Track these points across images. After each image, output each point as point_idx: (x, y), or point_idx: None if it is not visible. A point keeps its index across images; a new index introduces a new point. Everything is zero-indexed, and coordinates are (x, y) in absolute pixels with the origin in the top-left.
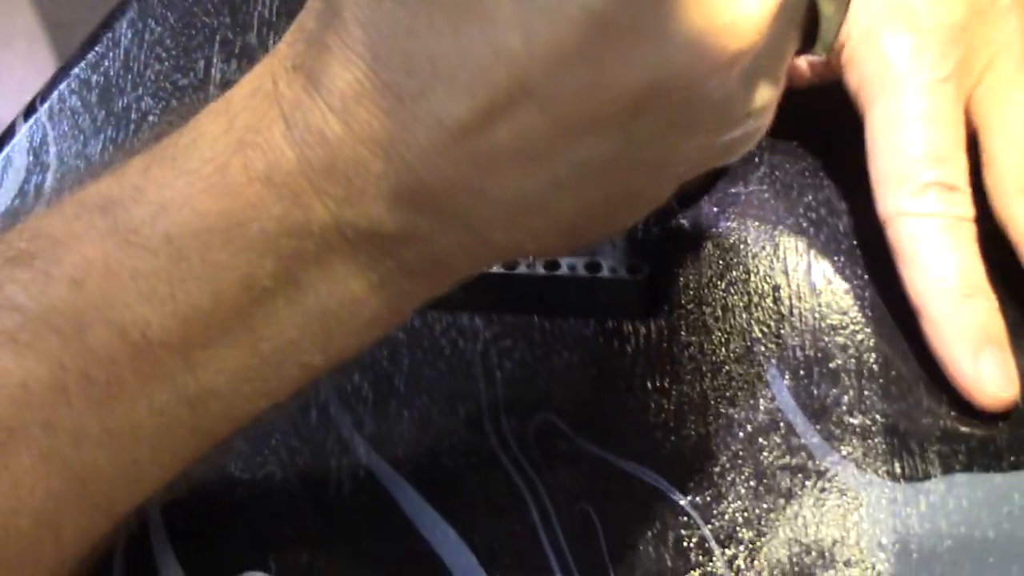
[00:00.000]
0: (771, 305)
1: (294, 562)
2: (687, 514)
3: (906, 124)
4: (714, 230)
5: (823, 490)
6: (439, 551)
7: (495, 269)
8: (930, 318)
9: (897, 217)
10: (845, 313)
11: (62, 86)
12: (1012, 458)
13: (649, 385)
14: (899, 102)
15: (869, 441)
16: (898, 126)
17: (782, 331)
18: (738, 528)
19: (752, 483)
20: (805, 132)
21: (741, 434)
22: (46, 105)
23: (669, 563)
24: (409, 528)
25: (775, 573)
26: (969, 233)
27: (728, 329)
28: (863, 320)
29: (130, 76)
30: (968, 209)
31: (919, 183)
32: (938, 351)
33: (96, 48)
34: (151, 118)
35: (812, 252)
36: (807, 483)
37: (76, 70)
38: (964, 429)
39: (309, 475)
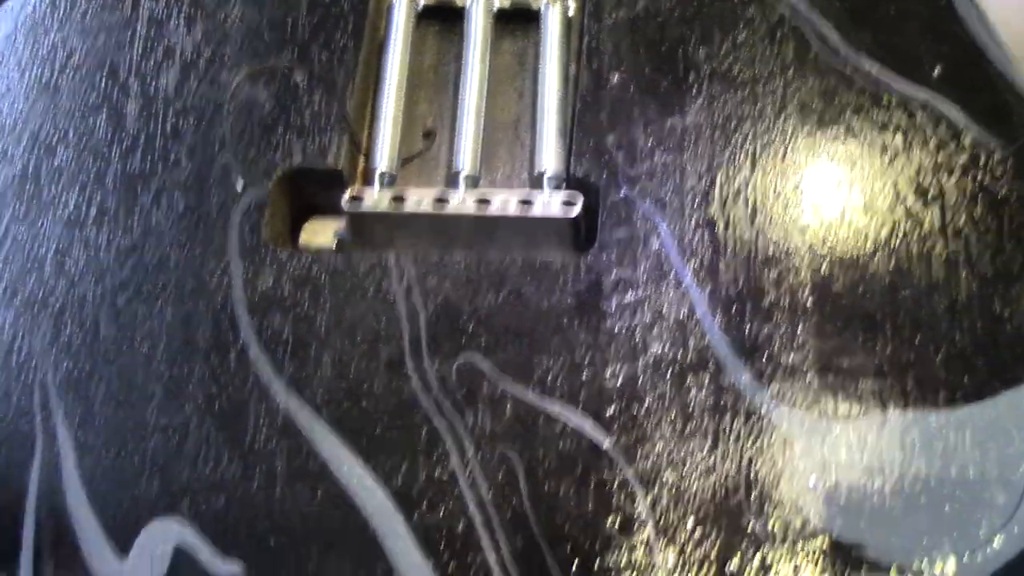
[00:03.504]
0: (706, 239)
1: (209, 509)
2: (610, 457)
3: None
4: (649, 163)
5: (751, 431)
6: (356, 497)
7: (423, 208)
8: None
9: None
10: (781, 247)
11: None
12: (947, 395)
13: (576, 324)
14: None
15: (801, 380)
16: None
17: (716, 266)
18: (662, 471)
19: (679, 424)
20: (747, 62)
21: (669, 374)
22: None
23: (591, 507)
24: (326, 474)
25: (699, 515)
26: None
27: (660, 265)
28: (799, 255)
29: (57, 14)
30: None
31: None
32: None
33: None
34: (75, 57)
35: (750, 185)
36: (735, 423)
37: (2, 8)
38: (899, 367)
39: (226, 421)
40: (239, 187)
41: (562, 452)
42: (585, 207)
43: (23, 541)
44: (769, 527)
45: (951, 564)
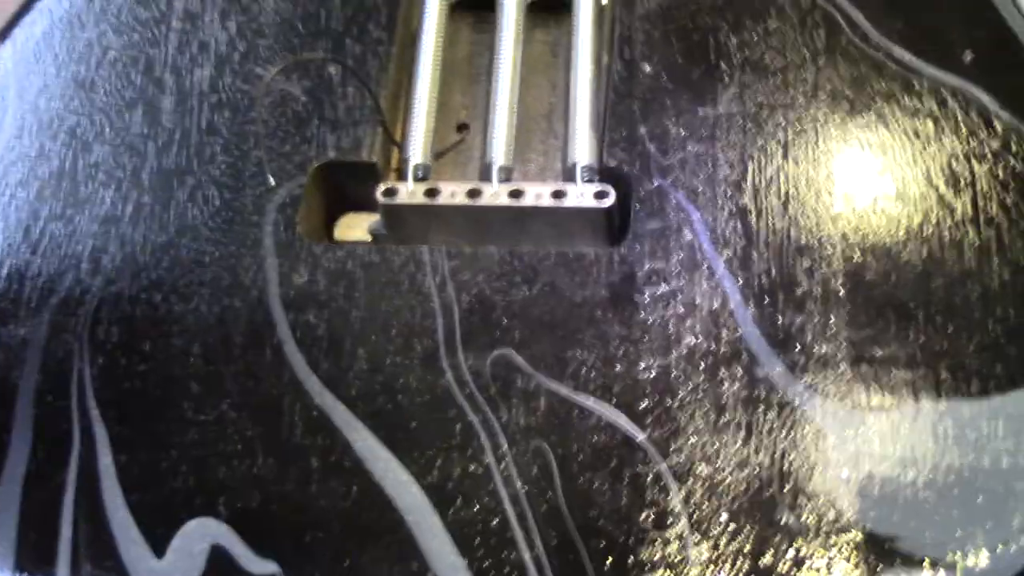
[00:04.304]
0: (739, 229)
1: (245, 506)
2: (644, 450)
3: None
4: (682, 154)
5: (784, 423)
6: (391, 493)
7: (458, 200)
8: None
9: None
10: (814, 236)
11: (25, 20)
12: (980, 384)
13: (610, 315)
14: None
15: (834, 370)
16: None
17: (749, 256)
18: (696, 464)
19: (712, 417)
20: (778, 50)
21: (703, 366)
22: (7, 41)
23: (624, 500)
24: (360, 470)
25: (733, 509)
26: None
27: (693, 256)
28: (832, 243)
29: (93, 11)
30: None
31: None
32: None
33: None
34: (112, 53)
35: (782, 174)
36: (768, 415)
37: (39, 4)
38: (932, 356)
39: (262, 417)
40: (271, 183)
41: (596, 446)
42: (618, 198)
43: (60, 540)
44: (802, 520)
45: (984, 556)
